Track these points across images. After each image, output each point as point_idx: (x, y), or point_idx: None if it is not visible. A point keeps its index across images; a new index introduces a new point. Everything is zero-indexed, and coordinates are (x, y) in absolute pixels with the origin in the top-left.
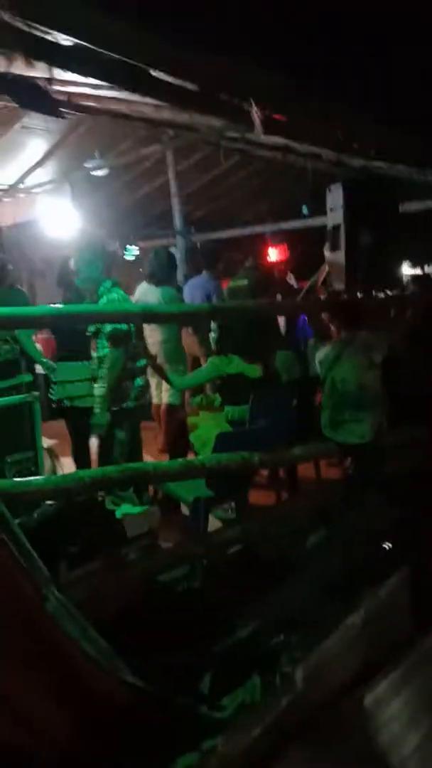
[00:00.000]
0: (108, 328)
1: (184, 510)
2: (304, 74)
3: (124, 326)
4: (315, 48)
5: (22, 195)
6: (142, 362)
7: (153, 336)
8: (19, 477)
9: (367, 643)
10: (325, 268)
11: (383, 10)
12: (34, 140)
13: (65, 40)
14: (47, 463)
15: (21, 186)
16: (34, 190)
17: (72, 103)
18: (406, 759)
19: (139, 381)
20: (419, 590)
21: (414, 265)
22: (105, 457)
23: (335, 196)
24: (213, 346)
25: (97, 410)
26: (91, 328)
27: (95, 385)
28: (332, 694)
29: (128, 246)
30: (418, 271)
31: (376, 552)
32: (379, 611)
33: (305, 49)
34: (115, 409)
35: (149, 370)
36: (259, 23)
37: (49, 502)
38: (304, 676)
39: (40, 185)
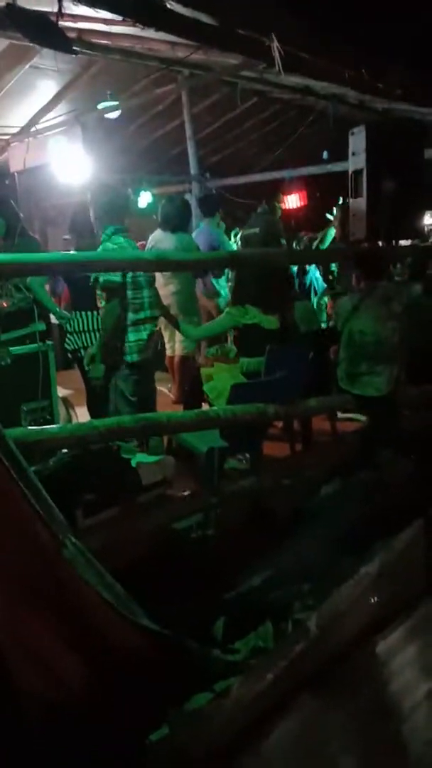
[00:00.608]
0: (100, 279)
1: (199, 460)
2: (329, 13)
3: (116, 277)
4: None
5: (32, 138)
6: (146, 313)
7: (166, 287)
8: (34, 425)
9: (380, 593)
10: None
11: None
12: (45, 81)
13: None
14: (62, 412)
15: (32, 129)
16: (45, 133)
17: (83, 40)
18: (417, 705)
19: (137, 334)
20: None
21: None
22: (95, 409)
23: (358, 140)
24: (228, 296)
25: (91, 362)
26: (93, 278)
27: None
28: (346, 642)
29: (142, 191)
30: None
31: (391, 505)
32: (393, 563)
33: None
34: (114, 361)
35: (163, 322)
36: None
37: (64, 450)
38: (317, 624)
39: (50, 128)
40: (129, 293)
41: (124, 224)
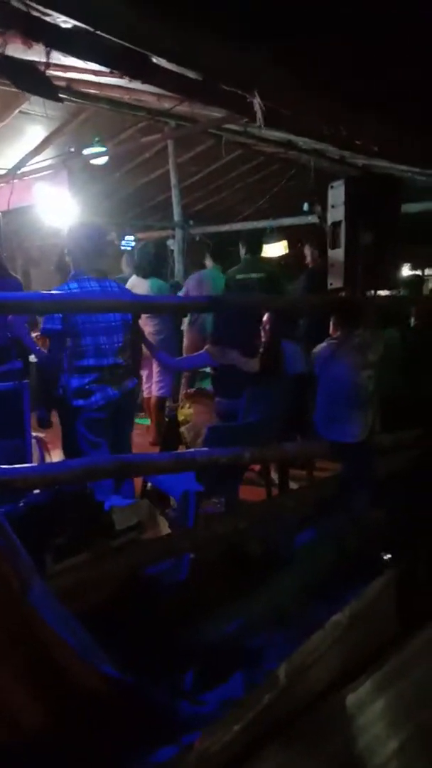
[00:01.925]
0: (42, 326)
1: (173, 503)
2: (310, 70)
3: (56, 326)
4: (323, 45)
5: (17, 180)
6: (90, 361)
7: (144, 328)
8: (6, 465)
9: (351, 642)
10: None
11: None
12: (33, 126)
13: (64, 22)
14: (36, 452)
15: (18, 172)
16: (31, 176)
17: (72, 89)
18: (388, 761)
19: (80, 380)
20: (406, 591)
21: (414, 267)
22: (70, 450)
23: (337, 193)
24: (209, 335)
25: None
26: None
27: None
28: (315, 693)
29: (126, 236)
30: (417, 273)
31: (364, 552)
32: (364, 611)
33: (313, 45)
34: (68, 405)
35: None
36: (266, 14)
37: (36, 491)
38: (286, 673)
39: (37, 171)
40: (68, 340)
41: (95, 266)
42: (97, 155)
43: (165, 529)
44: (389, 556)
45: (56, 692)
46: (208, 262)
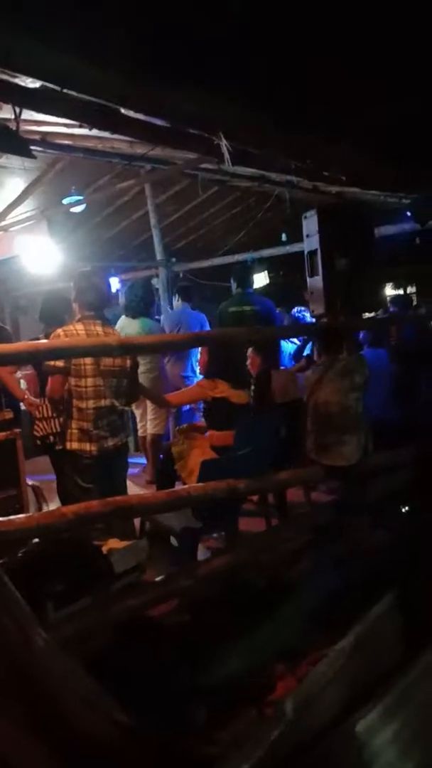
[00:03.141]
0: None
1: (173, 541)
2: (272, 108)
3: (57, 363)
4: (285, 82)
5: (0, 233)
6: (90, 402)
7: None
8: (2, 516)
9: (356, 669)
10: None
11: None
12: (12, 179)
13: (32, 82)
14: (32, 501)
15: None
16: (12, 229)
17: (47, 141)
18: None
19: (81, 423)
20: (409, 614)
21: (396, 287)
22: (66, 496)
23: (311, 223)
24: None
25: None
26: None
27: None
28: (323, 723)
29: (110, 279)
30: (400, 292)
31: (365, 576)
32: (367, 636)
33: (274, 83)
34: (59, 449)
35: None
36: (227, 59)
37: (35, 540)
38: (293, 706)
39: (18, 223)
40: (72, 380)
41: (98, 311)
42: (76, 203)
43: (165, 568)
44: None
45: (65, 741)
46: (177, 302)
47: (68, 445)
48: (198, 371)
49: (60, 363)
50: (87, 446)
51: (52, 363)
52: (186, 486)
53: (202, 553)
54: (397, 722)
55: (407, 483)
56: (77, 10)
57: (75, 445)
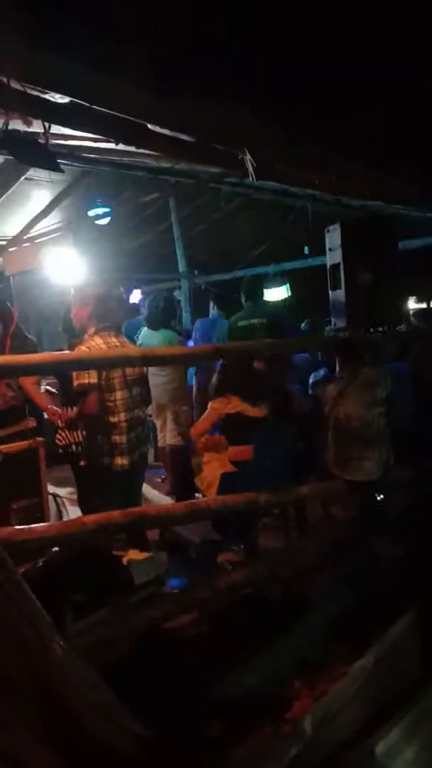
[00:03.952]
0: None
1: (192, 553)
2: (296, 123)
3: (91, 380)
4: (308, 98)
5: (26, 244)
6: (121, 416)
7: (155, 378)
8: (24, 524)
9: (376, 687)
10: None
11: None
12: (39, 191)
13: (61, 98)
14: (53, 509)
15: (26, 236)
16: (38, 240)
17: (74, 155)
18: None
19: (115, 437)
20: (429, 630)
21: (420, 300)
22: (86, 505)
23: (334, 237)
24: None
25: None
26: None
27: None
28: (342, 743)
29: (133, 291)
30: (423, 306)
31: (385, 591)
32: (388, 655)
33: (298, 100)
34: (88, 463)
35: (154, 412)
36: (251, 75)
37: (55, 549)
38: (312, 724)
39: (44, 234)
40: (102, 395)
41: (113, 322)
42: (101, 216)
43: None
44: (411, 594)
45: (81, 751)
46: (213, 310)
47: (100, 461)
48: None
49: (93, 380)
50: (119, 460)
51: (86, 381)
52: (206, 498)
53: (221, 566)
54: (419, 742)
55: (428, 497)
56: (104, 29)
57: (107, 460)
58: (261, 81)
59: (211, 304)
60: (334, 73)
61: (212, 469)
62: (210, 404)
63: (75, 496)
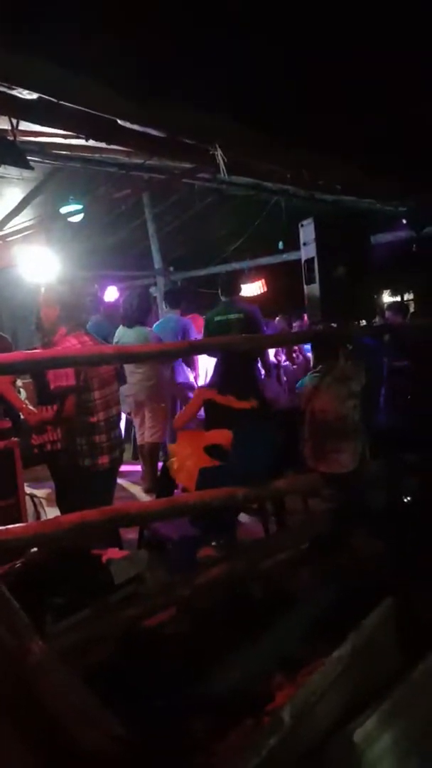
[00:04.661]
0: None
1: (172, 550)
2: (267, 122)
3: (69, 382)
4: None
5: None
6: (99, 416)
7: (134, 376)
8: (0, 525)
9: (355, 677)
10: None
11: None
12: (10, 189)
13: (29, 94)
14: (30, 509)
15: None
16: (10, 238)
17: (44, 152)
18: None
19: (94, 437)
20: (406, 620)
21: (394, 294)
22: (65, 505)
23: (308, 231)
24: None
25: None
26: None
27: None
28: (321, 731)
29: (108, 288)
30: (397, 299)
31: (364, 584)
32: (365, 644)
33: (269, 98)
34: (68, 464)
35: (133, 409)
36: (222, 73)
37: (33, 549)
38: (291, 714)
39: (17, 232)
40: (82, 396)
41: (82, 321)
42: (74, 213)
43: (164, 577)
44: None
45: (61, 756)
46: (165, 310)
47: (81, 462)
48: (191, 377)
49: (72, 381)
50: (100, 459)
51: (64, 383)
52: (184, 494)
53: (200, 562)
54: (396, 730)
55: (405, 490)
56: (73, 25)
57: (87, 461)
58: (234, 79)
59: (164, 304)
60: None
61: (190, 459)
62: (195, 391)
63: (53, 497)
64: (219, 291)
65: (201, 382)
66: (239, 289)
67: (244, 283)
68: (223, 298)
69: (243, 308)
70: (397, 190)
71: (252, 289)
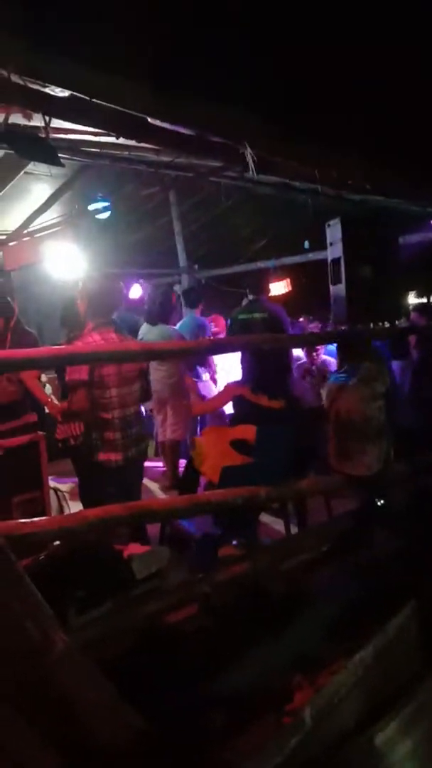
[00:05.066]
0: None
1: (194, 547)
2: (295, 119)
3: (81, 376)
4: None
5: (26, 239)
6: (116, 413)
7: (158, 373)
8: (25, 518)
9: (376, 679)
10: None
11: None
12: (39, 185)
13: (61, 91)
14: (54, 503)
15: (26, 231)
16: (38, 234)
17: (74, 149)
18: None
19: (108, 434)
20: (429, 623)
21: (420, 295)
22: (88, 499)
23: (334, 231)
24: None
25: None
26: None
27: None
28: (341, 733)
29: (133, 285)
30: (423, 301)
31: (385, 585)
32: (388, 646)
33: (298, 96)
34: (84, 458)
35: (155, 406)
36: (250, 71)
37: (56, 543)
38: (312, 714)
39: (44, 229)
40: (95, 392)
41: (110, 318)
42: (101, 211)
43: (185, 574)
44: (411, 587)
45: (82, 748)
46: (185, 311)
47: (94, 457)
48: (205, 375)
49: (84, 376)
50: (113, 456)
51: (76, 377)
52: (207, 492)
53: (221, 560)
54: (417, 735)
55: (427, 491)
56: (102, 25)
57: (102, 456)
58: (258, 78)
59: (184, 307)
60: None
61: (215, 453)
62: (225, 386)
63: (77, 491)
64: (246, 290)
65: (221, 378)
66: (267, 289)
67: (270, 282)
68: (250, 297)
69: (268, 308)
70: (425, 190)
71: (277, 288)
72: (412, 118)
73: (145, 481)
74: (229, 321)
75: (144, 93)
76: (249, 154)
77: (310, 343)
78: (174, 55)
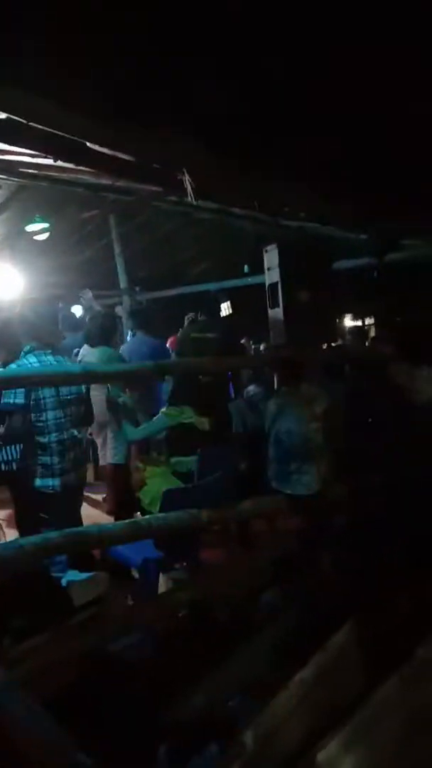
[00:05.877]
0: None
1: (135, 573)
2: (232, 151)
3: (17, 400)
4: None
5: None
6: (53, 437)
7: (98, 396)
8: None
9: (319, 699)
10: None
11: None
12: None
13: None
14: None
15: None
16: None
17: (10, 170)
18: None
19: (45, 458)
20: (370, 643)
21: (355, 318)
22: (25, 528)
23: (272, 257)
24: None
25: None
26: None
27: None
28: (285, 754)
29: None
30: (357, 323)
31: (331, 605)
32: (329, 665)
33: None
34: (21, 485)
35: (95, 431)
36: (189, 101)
37: None
38: (254, 738)
39: None
40: (31, 416)
41: (47, 342)
42: (40, 232)
43: (127, 601)
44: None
45: None
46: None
47: (31, 483)
48: None
49: (20, 400)
50: (50, 482)
51: (11, 401)
52: (148, 516)
53: (164, 585)
54: (357, 753)
55: (367, 513)
56: (40, 50)
57: (38, 482)
58: (198, 108)
59: (129, 324)
60: (270, 104)
61: (155, 483)
62: (162, 411)
63: (13, 518)
64: (197, 311)
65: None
66: (219, 310)
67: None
68: (202, 318)
69: (220, 329)
70: (358, 218)
71: (225, 309)
72: (351, 151)
73: (85, 506)
74: (178, 339)
75: (83, 119)
76: (187, 180)
77: (251, 365)
78: (115, 80)
